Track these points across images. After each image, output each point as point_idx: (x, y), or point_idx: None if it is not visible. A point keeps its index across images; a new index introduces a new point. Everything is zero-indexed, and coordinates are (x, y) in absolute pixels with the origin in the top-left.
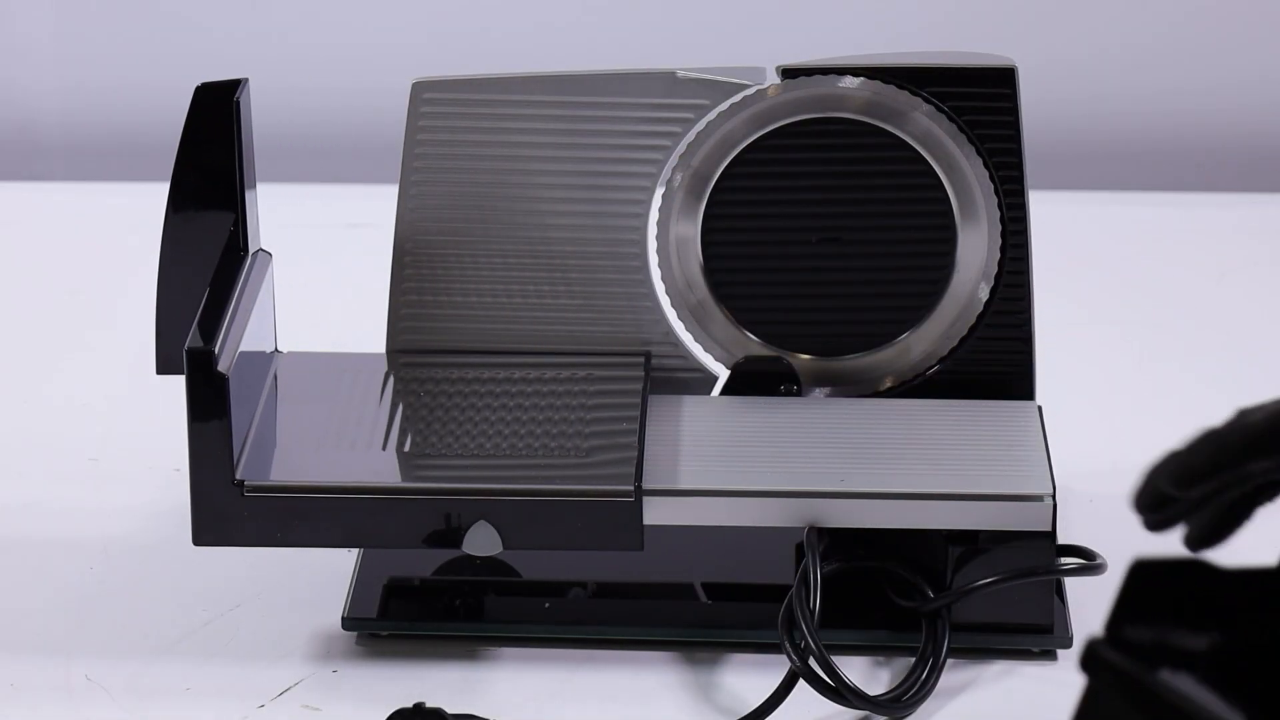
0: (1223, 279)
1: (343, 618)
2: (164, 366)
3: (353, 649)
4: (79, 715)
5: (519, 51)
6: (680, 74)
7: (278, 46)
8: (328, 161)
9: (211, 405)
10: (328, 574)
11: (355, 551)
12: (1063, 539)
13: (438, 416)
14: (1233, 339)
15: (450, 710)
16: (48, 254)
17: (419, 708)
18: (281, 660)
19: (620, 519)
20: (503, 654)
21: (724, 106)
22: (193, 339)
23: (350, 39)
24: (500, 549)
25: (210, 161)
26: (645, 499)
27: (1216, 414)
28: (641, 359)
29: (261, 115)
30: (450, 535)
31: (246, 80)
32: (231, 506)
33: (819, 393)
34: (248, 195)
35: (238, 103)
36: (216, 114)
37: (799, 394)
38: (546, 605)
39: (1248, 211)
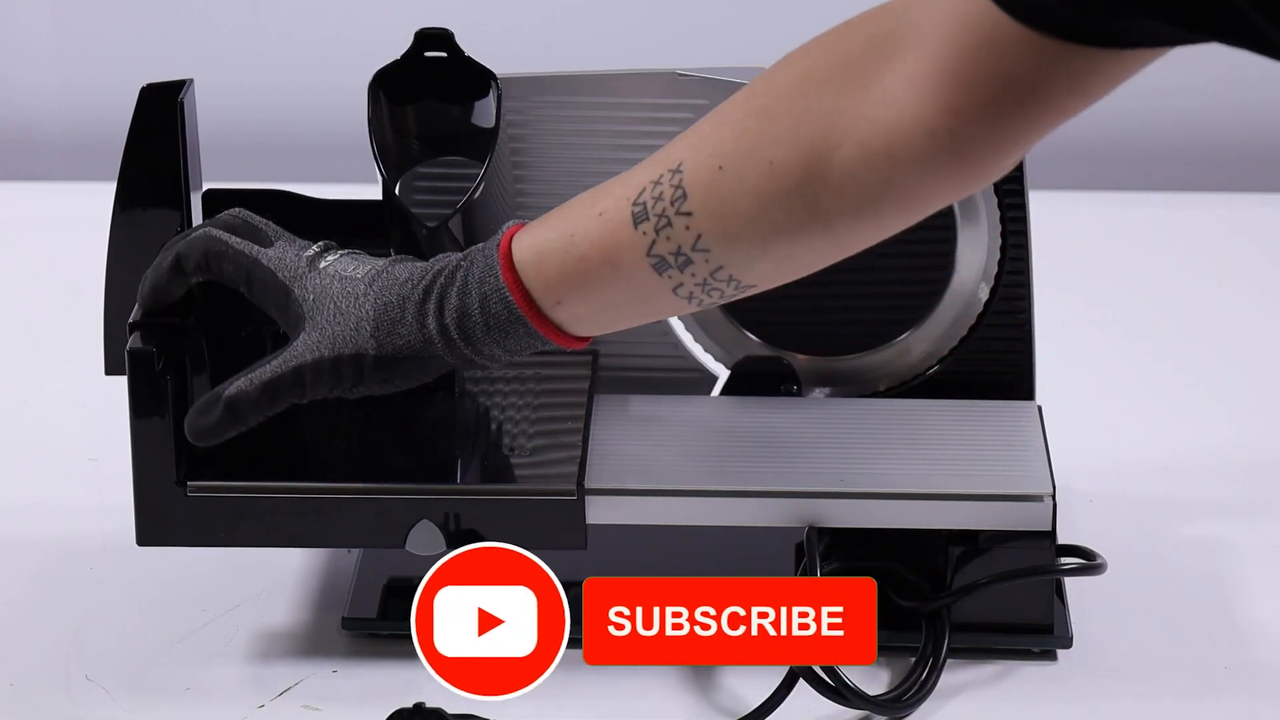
0: (1223, 279)
1: (343, 618)
2: (112, 368)
3: (353, 649)
4: (79, 715)
5: (519, 52)
6: (680, 74)
7: (277, 46)
8: (327, 161)
9: (153, 406)
10: (328, 574)
11: (355, 551)
12: (1063, 539)
13: (385, 415)
14: (1233, 339)
15: (450, 710)
16: (48, 254)
17: (419, 708)
18: (281, 660)
19: (563, 518)
20: None
21: None
22: (134, 340)
23: (350, 39)
24: (443, 548)
25: (156, 162)
26: (595, 498)
27: (1216, 414)
28: (589, 358)
29: (261, 115)
30: (393, 534)
31: (191, 81)
32: (174, 506)
33: (819, 393)
34: (194, 195)
35: (182, 103)
36: (161, 115)
37: (799, 394)
38: None
39: (1248, 211)
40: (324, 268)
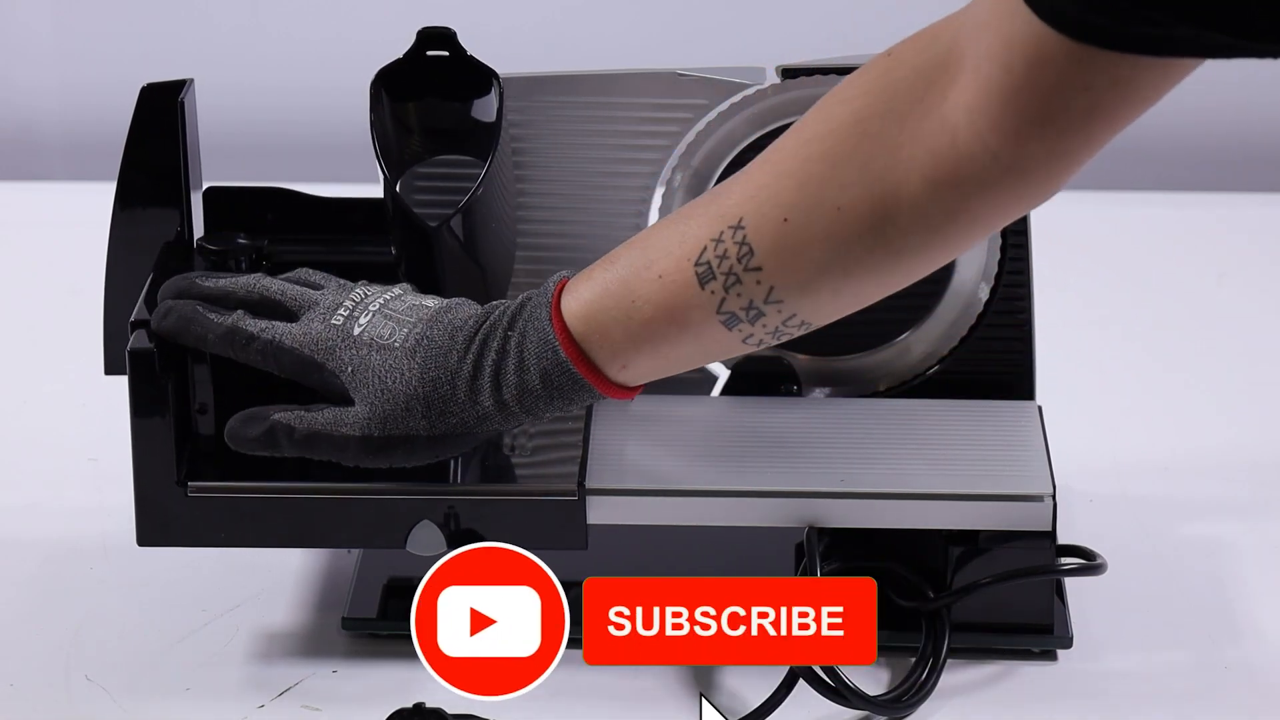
0: (1223, 279)
1: (343, 618)
2: (112, 368)
3: (353, 649)
4: (79, 715)
5: (519, 52)
6: (680, 74)
7: (277, 46)
8: (328, 161)
9: (153, 406)
10: (328, 574)
11: (355, 551)
12: (1063, 539)
13: None
14: (1233, 339)
15: (450, 710)
16: (48, 254)
17: (419, 708)
18: (281, 660)
19: (563, 518)
20: None
21: (724, 106)
22: (136, 339)
23: (350, 39)
24: (444, 548)
25: (156, 162)
26: (595, 498)
27: (1216, 414)
28: None
29: (262, 115)
30: (393, 534)
31: (191, 81)
32: (174, 506)
33: (819, 393)
34: (194, 195)
35: (182, 103)
36: (161, 115)
37: (799, 394)
38: None
39: (1248, 211)
40: (358, 335)
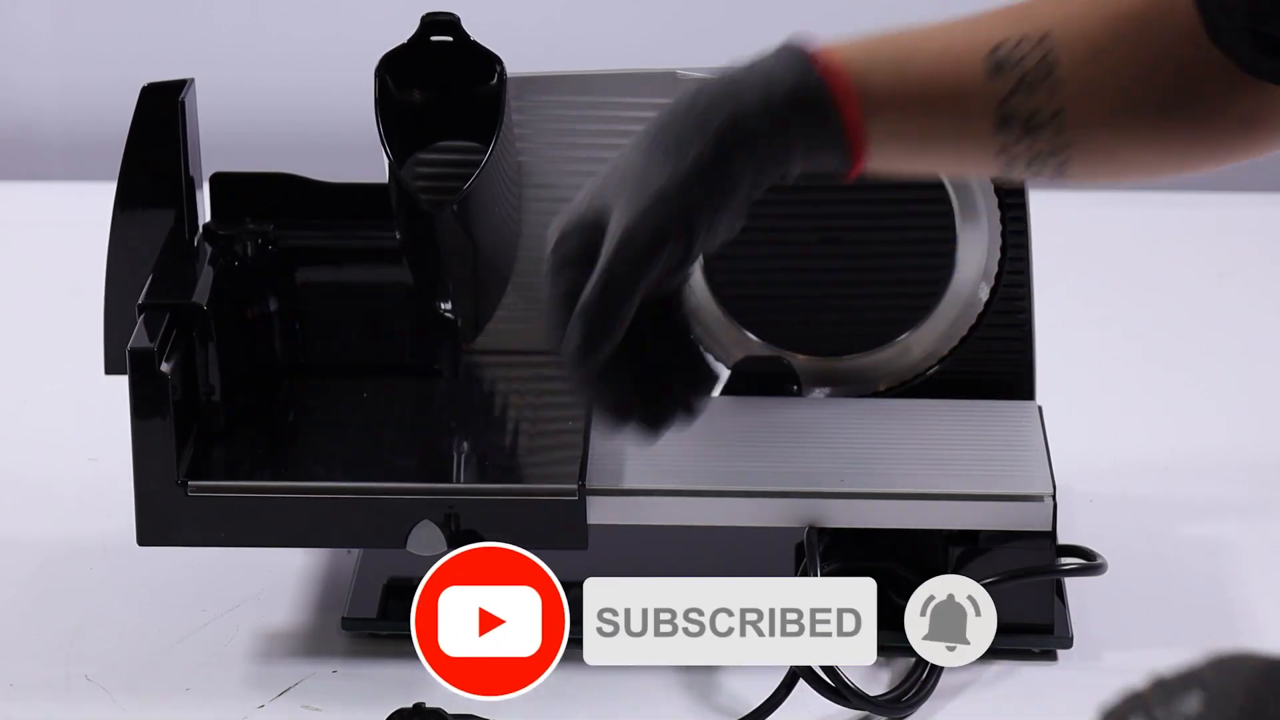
0: (1223, 279)
1: (343, 618)
2: (111, 367)
3: (353, 649)
4: (79, 715)
5: (518, 52)
6: (680, 74)
7: (277, 46)
8: (329, 160)
9: (154, 405)
10: (328, 574)
11: (355, 551)
12: (1063, 539)
13: (385, 415)
14: (1233, 339)
15: (450, 710)
16: (48, 254)
17: (419, 708)
18: (281, 660)
19: (564, 518)
20: None
21: None
22: (136, 338)
23: (351, 39)
24: (445, 548)
25: (156, 162)
26: (596, 498)
27: (1216, 414)
28: None
29: (262, 114)
30: (393, 534)
31: (192, 80)
32: (175, 506)
33: (819, 393)
34: (196, 195)
35: (183, 103)
36: (162, 115)
37: (799, 394)
38: None
39: (1248, 211)
40: None
